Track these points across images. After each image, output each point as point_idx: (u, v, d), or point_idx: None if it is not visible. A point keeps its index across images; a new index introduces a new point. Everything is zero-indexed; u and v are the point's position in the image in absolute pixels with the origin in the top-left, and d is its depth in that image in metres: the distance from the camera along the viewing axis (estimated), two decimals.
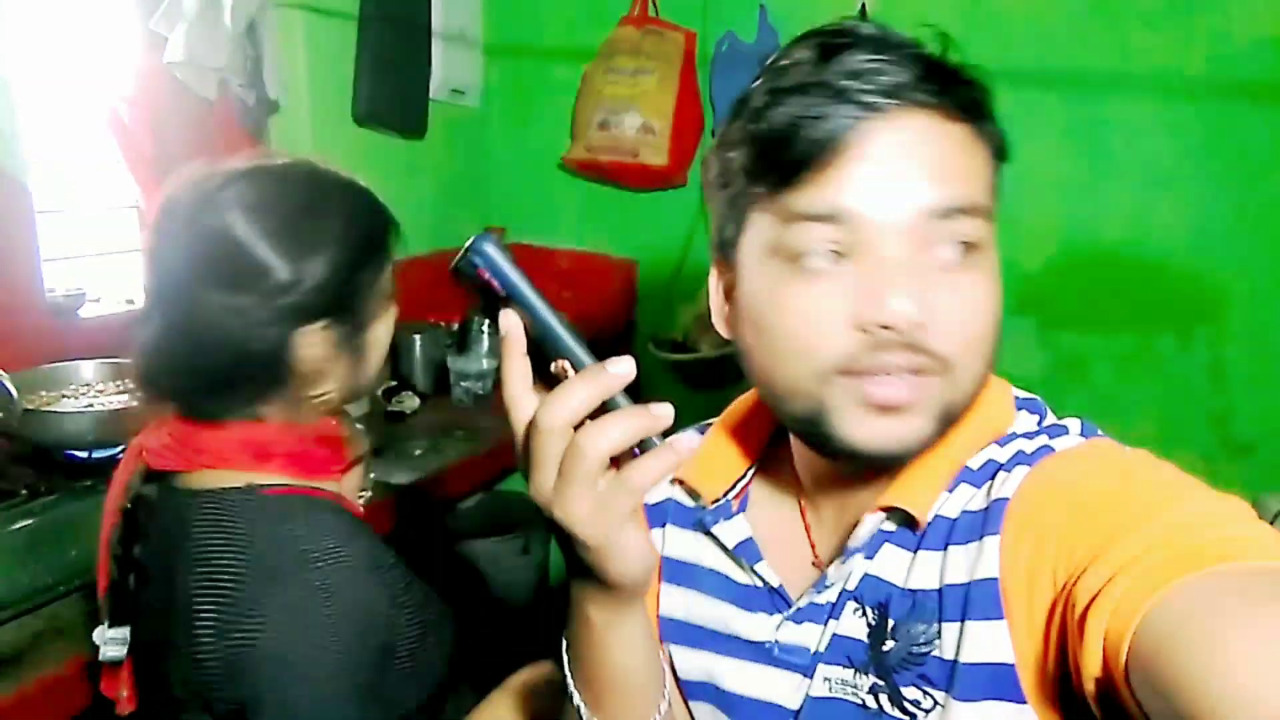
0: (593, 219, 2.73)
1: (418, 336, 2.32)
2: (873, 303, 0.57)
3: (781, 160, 0.59)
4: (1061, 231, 2.16)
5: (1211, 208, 2.03)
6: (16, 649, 1.17)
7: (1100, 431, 0.67)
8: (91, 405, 1.45)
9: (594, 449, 0.50)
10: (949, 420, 0.61)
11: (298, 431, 0.98)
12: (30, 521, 1.25)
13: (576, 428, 0.51)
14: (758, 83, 0.63)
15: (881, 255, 0.58)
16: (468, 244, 0.51)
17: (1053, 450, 0.63)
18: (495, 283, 0.51)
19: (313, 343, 0.96)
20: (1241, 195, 2.00)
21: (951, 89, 0.59)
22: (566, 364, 0.53)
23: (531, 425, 0.52)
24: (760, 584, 0.74)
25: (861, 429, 0.59)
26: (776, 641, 0.71)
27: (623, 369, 0.50)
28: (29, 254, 1.62)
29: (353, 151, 2.33)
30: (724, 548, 0.75)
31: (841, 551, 0.68)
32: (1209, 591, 0.46)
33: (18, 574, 1.23)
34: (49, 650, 1.18)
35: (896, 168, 0.57)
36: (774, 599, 0.73)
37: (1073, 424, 0.67)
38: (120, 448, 1.45)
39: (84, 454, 1.42)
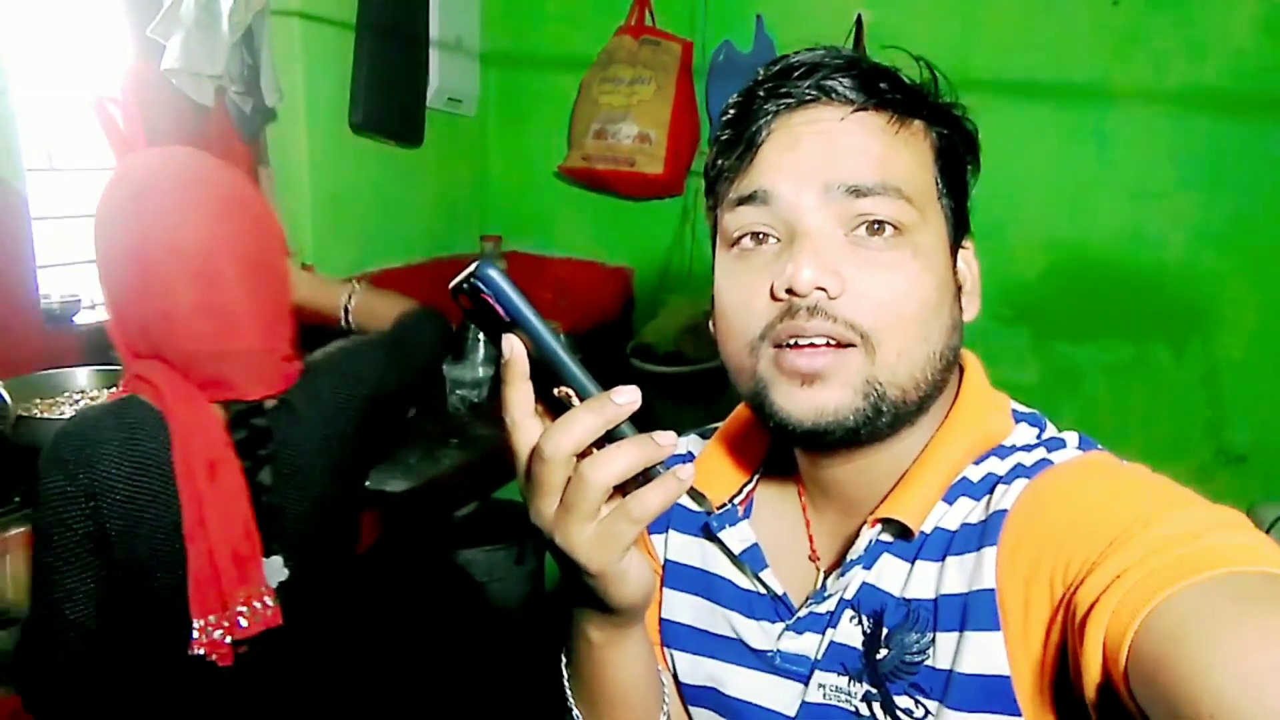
0: (589, 227, 2.74)
1: None
2: (782, 271, 0.61)
3: (727, 155, 0.66)
4: (1056, 242, 2.18)
5: (1205, 219, 2.04)
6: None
7: (1098, 445, 0.67)
8: None
9: (598, 479, 0.50)
10: (883, 400, 0.62)
11: None
12: (23, 529, 1.25)
13: (580, 456, 0.51)
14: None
15: (797, 231, 0.62)
16: (471, 268, 0.51)
17: (1051, 463, 0.63)
18: (500, 308, 0.51)
19: None
20: (1235, 206, 2.01)
21: (872, 86, 0.64)
22: (570, 390, 0.52)
23: (535, 452, 0.51)
24: (764, 591, 0.74)
25: (789, 401, 0.63)
26: (779, 650, 0.71)
27: (628, 398, 0.50)
28: (24, 260, 1.62)
29: (349, 160, 2.33)
30: (729, 553, 0.76)
31: (842, 561, 0.69)
32: (1206, 596, 0.46)
33: (11, 581, 1.22)
34: None
35: (806, 148, 0.63)
36: (777, 607, 0.73)
37: (1071, 438, 0.67)
38: None
39: None
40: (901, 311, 0.62)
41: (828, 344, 0.61)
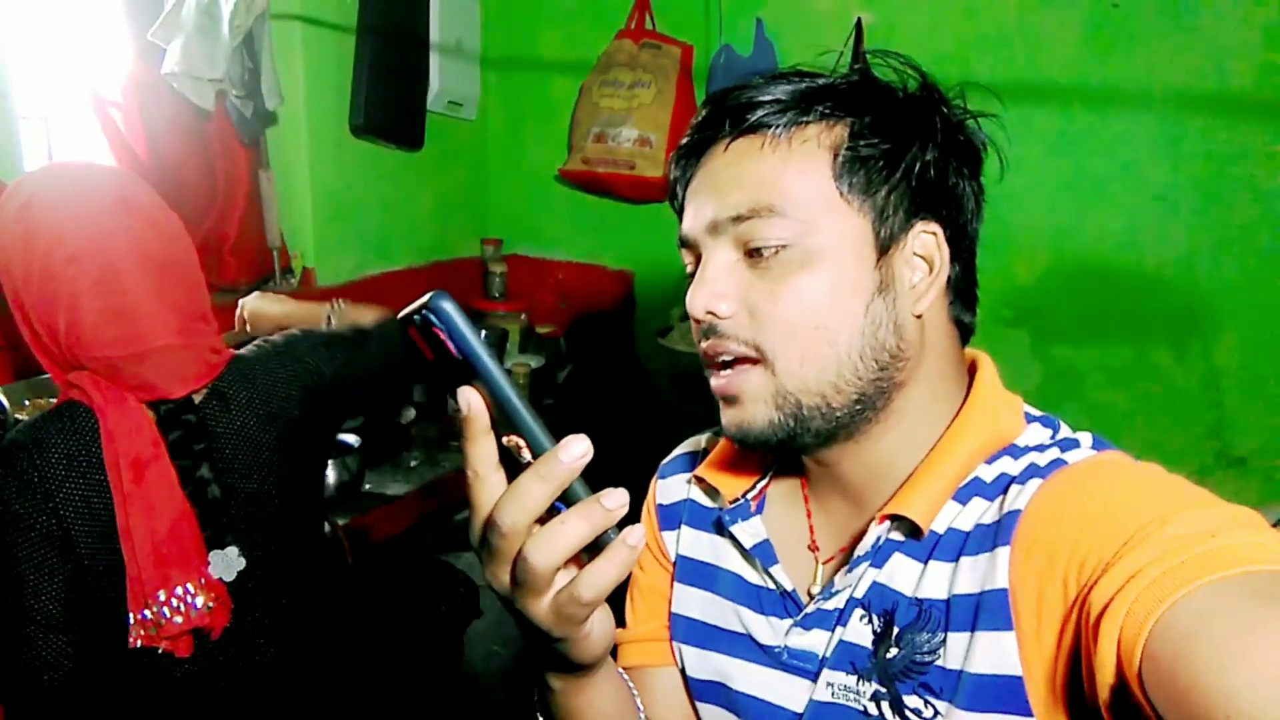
0: (589, 231, 2.74)
1: None
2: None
3: (673, 200, 0.75)
4: (1056, 245, 2.18)
5: (1204, 221, 2.04)
6: None
7: (1113, 445, 0.67)
8: None
9: (543, 563, 0.48)
10: (801, 408, 0.65)
11: None
12: None
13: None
14: None
15: (702, 262, 0.69)
16: (425, 298, 0.48)
17: (1065, 463, 0.63)
18: (451, 345, 0.48)
19: None
20: (1234, 209, 2.01)
21: (738, 114, 0.67)
22: (520, 441, 0.50)
23: (488, 523, 0.50)
24: (773, 586, 0.74)
25: (723, 418, 0.69)
26: (786, 646, 0.72)
27: (577, 452, 0.47)
28: None
29: (349, 163, 2.34)
30: (741, 548, 0.76)
31: (849, 556, 0.69)
32: (1223, 596, 0.46)
33: None
34: None
35: (701, 189, 0.69)
36: (786, 603, 0.74)
37: (1085, 438, 0.67)
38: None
39: None
40: (789, 322, 0.64)
41: (738, 361, 0.66)
